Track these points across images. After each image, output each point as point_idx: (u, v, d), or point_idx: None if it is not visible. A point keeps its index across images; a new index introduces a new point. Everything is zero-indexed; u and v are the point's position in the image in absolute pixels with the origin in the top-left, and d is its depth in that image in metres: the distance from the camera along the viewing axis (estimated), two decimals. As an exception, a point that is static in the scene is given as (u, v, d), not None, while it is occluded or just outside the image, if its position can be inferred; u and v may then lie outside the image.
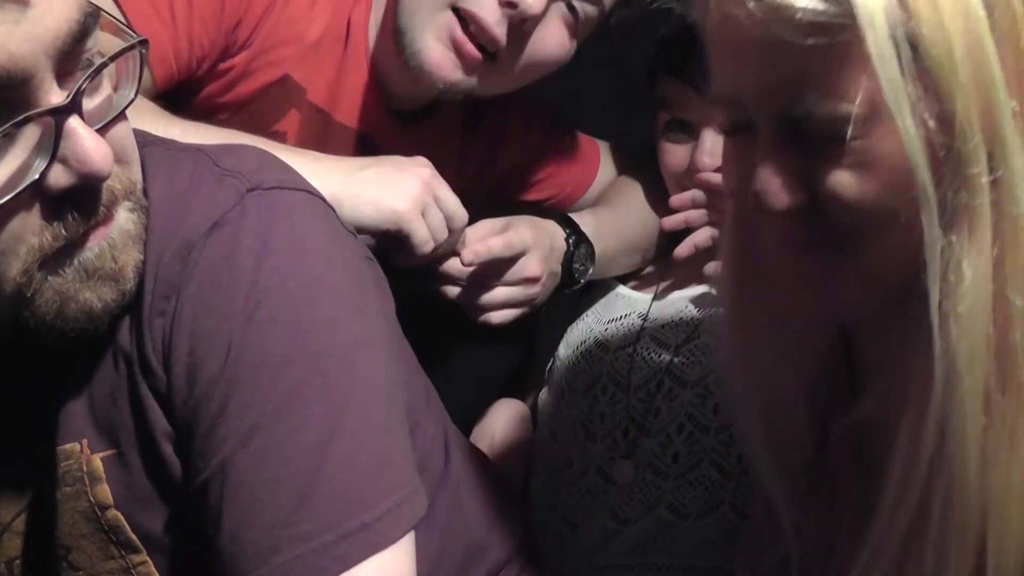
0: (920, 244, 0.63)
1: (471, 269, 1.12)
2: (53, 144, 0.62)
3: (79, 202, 0.65)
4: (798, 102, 0.64)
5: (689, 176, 1.24)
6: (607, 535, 1.18)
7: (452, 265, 1.11)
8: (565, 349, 1.33)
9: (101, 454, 0.76)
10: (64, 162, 0.63)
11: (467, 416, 1.32)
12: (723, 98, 0.70)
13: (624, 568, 1.16)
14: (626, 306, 1.31)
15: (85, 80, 0.63)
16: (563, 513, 1.22)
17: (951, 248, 0.64)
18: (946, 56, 0.61)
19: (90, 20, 0.63)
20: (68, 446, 0.76)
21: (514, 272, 1.15)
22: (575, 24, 1.12)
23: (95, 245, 0.68)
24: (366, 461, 0.73)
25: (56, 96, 0.62)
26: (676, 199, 1.26)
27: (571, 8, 1.10)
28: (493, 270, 1.14)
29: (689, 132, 1.24)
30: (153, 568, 0.78)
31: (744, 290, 0.80)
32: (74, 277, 0.67)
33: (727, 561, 1.00)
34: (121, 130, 0.69)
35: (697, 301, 1.24)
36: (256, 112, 1.08)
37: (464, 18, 1.06)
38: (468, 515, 0.97)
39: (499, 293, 1.16)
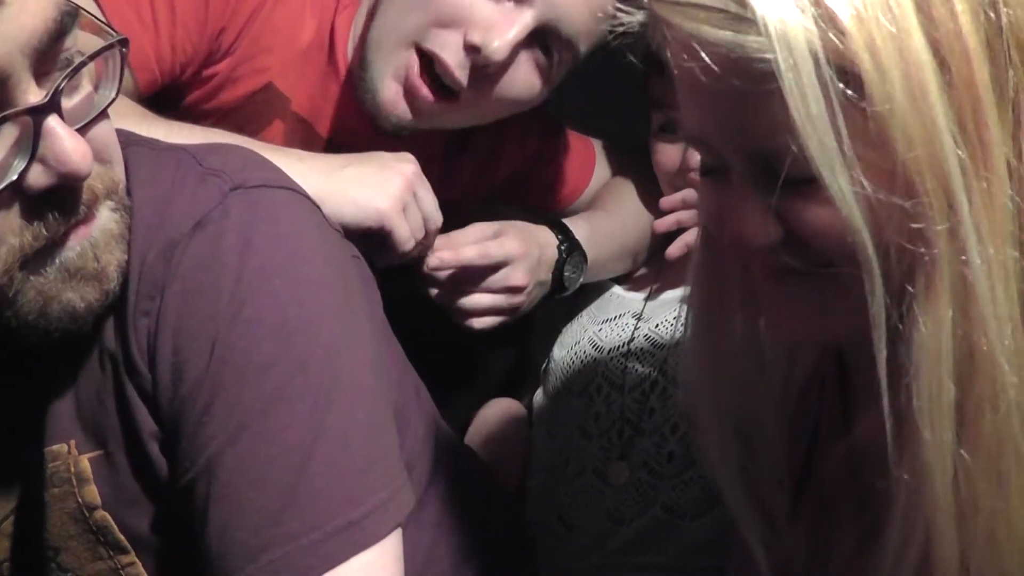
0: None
1: (449, 272, 1.13)
2: (32, 144, 0.62)
3: (59, 201, 0.65)
4: (765, 144, 0.61)
5: (682, 176, 1.24)
6: (603, 535, 1.17)
7: (430, 267, 1.12)
8: (559, 350, 1.33)
9: (88, 455, 0.76)
10: (43, 162, 0.62)
11: (461, 416, 1.32)
12: (692, 140, 0.69)
13: (620, 567, 1.16)
14: (620, 306, 1.31)
15: (63, 79, 0.62)
16: (560, 513, 1.22)
17: (907, 299, 0.61)
18: (886, 105, 0.57)
19: (67, 19, 0.62)
20: (56, 447, 0.76)
21: (498, 280, 1.15)
22: (548, 68, 1.09)
23: (76, 244, 0.67)
24: (352, 459, 0.73)
25: (34, 95, 0.62)
26: (667, 200, 1.26)
27: (546, 52, 1.08)
28: (476, 276, 1.14)
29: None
30: (141, 568, 0.78)
31: (713, 315, 0.78)
32: (56, 277, 0.67)
33: (722, 561, 1.00)
34: (102, 129, 0.69)
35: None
36: (241, 120, 1.08)
37: (428, 57, 1.05)
38: (460, 515, 0.97)
39: (482, 300, 1.16)
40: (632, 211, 1.34)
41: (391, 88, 1.06)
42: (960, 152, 0.58)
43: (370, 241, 0.99)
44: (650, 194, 1.33)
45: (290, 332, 0.72)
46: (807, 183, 0.61)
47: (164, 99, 1.06)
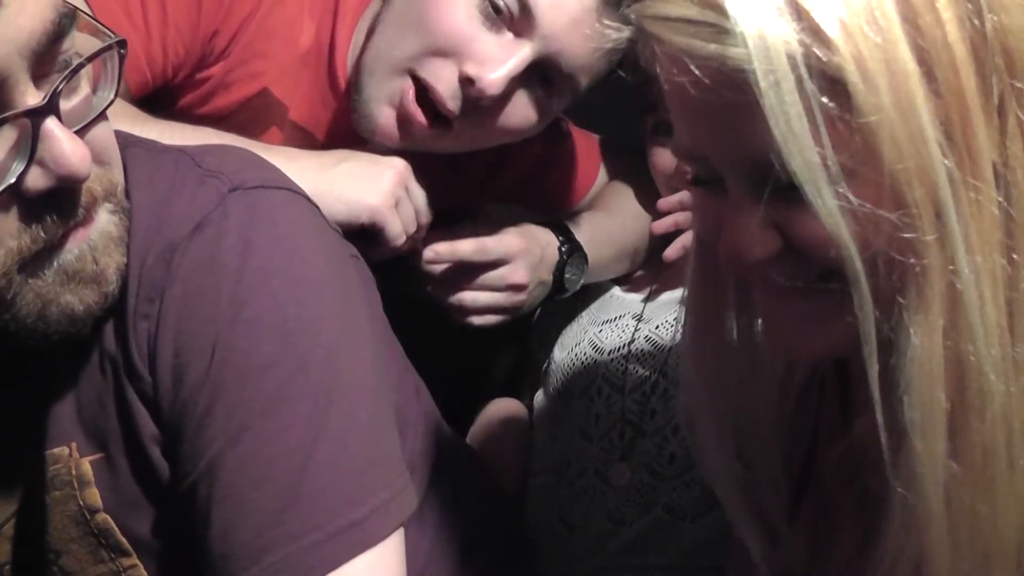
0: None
1: (446, 267, 1.13)
2: (30, 146, 0.61)
3: (58, 204, 0.65)
4: (757, 156, 0.60)
5: (678, 177, 1.24)
6: (604, 536, 1.17)
7: (428, 264, 1.12)
8: (560, 351, 1.33)
9: (90, 457, 0.76)
10: (42, 164, 0.62)
11: (463, 416, 1.32)
12: (686, 154, 0.68)
13: (621, 568, 1.16)
14: (620, 307, 1.31)
15: (62, 81, 0.62)
16: (561, 514, 1.22)
17: (897, 311, 0.61)
18: (873, 116, 0.57)
19: (65, 20, 0.62)
20: (57, 450, 0.76)
21: (498, 278, 1.15)
22: (547, 102, 1.07)
23: (75, 247, 0.67)
24: (353, 459, 0.73)
25: (32, 97, 0.61)
26: (664, 202, 1.26)
27: (544, 85, 1.05)
28: (473, 272, 1.14)
29: (677, 134, 1.24)
30: (143, 571, 0.78)
31: (708, 317, 0.78)
32: (54, 280, 0.67)
33: (722, 561, 1.00)
34: (101, 131, 0.68)
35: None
36: (236, 127, 1.06)
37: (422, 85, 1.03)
38: (461, 515, 0.97)
39: (482, 297, 1.16)
40: (632, 212, 1.34)
41: (384, 113, 1.05)
42: (947, 161, 0.58)
43: (363, 236, 0.99)
44: (648, 195, 1.33)
45: (290, 332, 0.72)
46: (799, 193, 0.60)
47: (157, 102, 1.05)
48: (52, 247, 0.66)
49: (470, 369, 1.31)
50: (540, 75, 1.04)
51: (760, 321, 0.75)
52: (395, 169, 1.03)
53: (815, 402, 0.83)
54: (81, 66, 0.64)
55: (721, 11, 0.58)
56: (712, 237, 0.69)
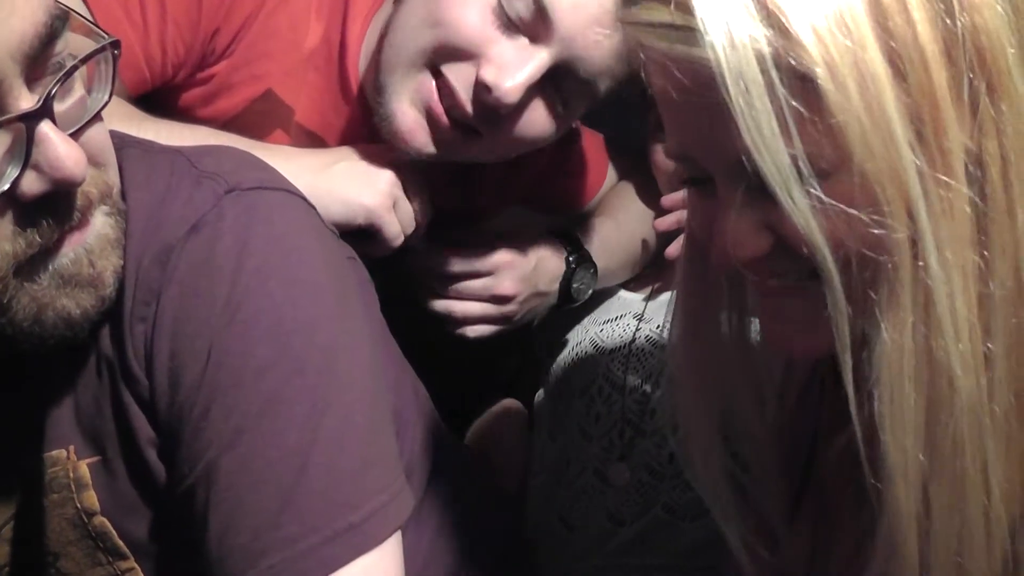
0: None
1: (436, 273, 1.13)
2: (25, 150, 0.61)
3: (53, 208, 0.64)
4: (746, 156, 0.60)
5: (679, 175, 1.23)
6: (604, 535, 1.17)
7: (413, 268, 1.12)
8: (561, 350, 1.33)
9: (87, 461, 0.76)
10: (37, 168, 0.62)
11: (462, 417, 1.32)
12: (675, 155, 0.69)
13: (620, 568, 1.16)
14: (621, 307, 1.31)
15: (55, 84, 0.62)
16: (560, 513, 1.22)
17: (870, 307, 0.61)
18: (843, 117, 0.57)
19: (58, 23, 0.62)
20: (54, 453, 0.76)
21: (482, 288, 1.15)
22: (565, 108, 1.03)
23: (71, 251, 0.67)
24: (350, 462, 0.73)
25: (26, 101, 0.61)
26: (667, 199, 1.26)
27: (561, 91, 1.01)
28: (461, 281, 1.15)
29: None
30: (141, 574, 0.78)
31: (699, 315, 0.78)
32: (50, 284, 0.66)
33: (723, 561, 0.99)
34: (96, 133, 0.68)
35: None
36: (239, 129, 1.05)
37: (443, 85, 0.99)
38: (460, 516, 0.97)
39: (471, 308, 1.16)
40: (638, 215, 1.34)
41: (409, 115, 1.00)
42: (918, 160, 0.58)
43: (360, 235, 0.99)
44: (651, 194, 1.33)
45: (286, 334, 0.72)
46: None
47: (159, 102, 1.04)
48: (47, 251, 0.65)
49: (469, 370, 1.30)
50: (556, 82, 1.00)
51: (758, 321, 0.75)
52: (393, 170, 1.02)
53: (815, 402, 0.83)
54: (75, 68, 0.64)
55: (692, 14, 0.58)
56: (706, 236, 0.69)
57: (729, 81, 0.57)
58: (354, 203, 1.00)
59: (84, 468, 0.76)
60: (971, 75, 0.59)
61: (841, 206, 0.59)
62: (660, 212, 1.28)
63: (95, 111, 0.67)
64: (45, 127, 0.61)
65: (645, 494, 1.17)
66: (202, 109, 1.07)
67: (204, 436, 0.71)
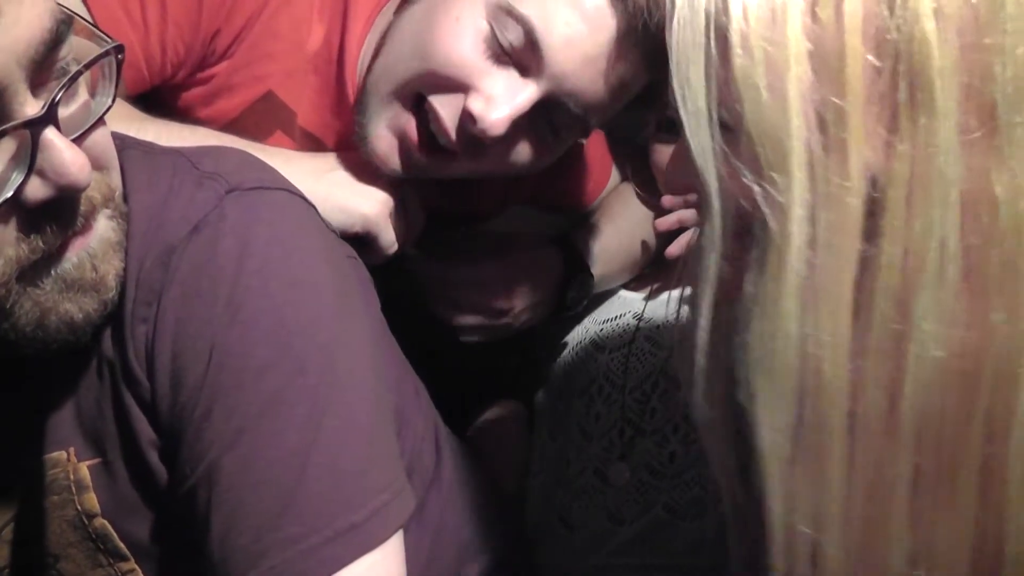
0: None
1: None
2: (30, 157, 0.61)
3: (57, 213, 0.64)
4: (673, 95, 0.66)
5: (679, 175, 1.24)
6: (604, 535, 1.17)
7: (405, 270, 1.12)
8: (561, 350, 1.33)
9: (88, 462, 0.76)
10: (41, 175, 0.61)
11: (463, 417, 1.32)
12: None
13: (620, 568, 1.15)
14: (621, 306, 1.31)
15: (60, 90, 0.62)
16: (560, 513, 1.22)
17: (744, 264, 0.64)
18: (745, 61, 0.61)
19: (63, 27, 0.62)
20: (55, 454, 0.76)
21: (475, 301, 1.16)
22: (553, 141, 1.02)
23: (74, 255, 0.67)
24: (351, 462, 0.73)
25: (31, 107, 0.61)
26: (667, 199, 1.26)
27: (551, 124, 1.00)
28: (452, 290, 1.16)
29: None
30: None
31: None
32: (52, 288, 0.66)
33: (724, 561, 0.99)
34: (100, 136, 0.68)
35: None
36: (240, 131, 1.04)
37: (425, 113, 0.98)
38: (461, 516, 0.97)
39: (467, 319, 1.17)
40: (637, 218, 1.34)
41: (384, 139, 1.00)
42: (813, 141, 0.60)
43: (354, 243, 0.98)
44: (651, 194, 1.33)
45: (287, 334, 0.72)
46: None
47: (159, 101, 1.04)
48: (51, 256, 0.65)
49: (469, 370, 1.30)
50: (549, 112, 0.98)
51: None
52: (391, 178, 1.02)
53: None
54: (79, 74, 0.64)
55: None
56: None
57: (678, 24, 0.63)
58: (352, 211, 1.00)
59: (85, 470, 0.76)
60: (895, 79, 0.59)
61: (733, 151, 0.62)
62: (660, 212, 1.28)
63: (99, 114, 0.67)
64: (50, 133, 0.61)
65: (645, 494, 1.17)
66: (202, 109, 1.07)
67: (205, 437, 0.71)
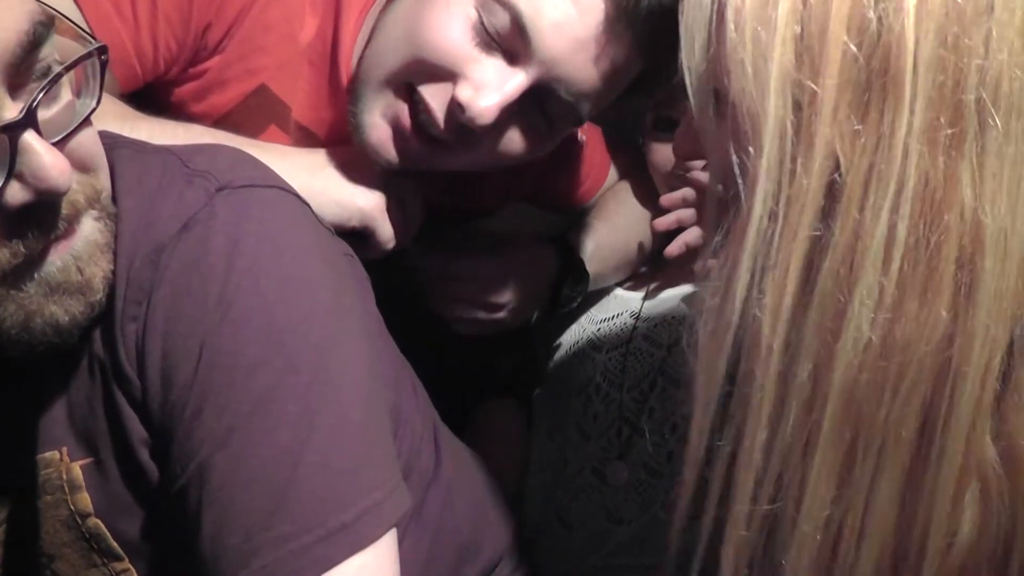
0: None
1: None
2: (8, 161, 0.60)
3: (38, 217, 0.63)
4: (681, 67, 0.69)
5: (677, 174, 1.24)
6: (602, 535, 1.17)
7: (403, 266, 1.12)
8: (559, 350, 1.33)
9: (80, 462, 0.76)
10: (20, 179, 0.61)
11: (461, 415, 1.32)
12: None
13: (619, 568, 1.15)
14: (619, 306, 1.31)
15: (39, 92, 0.61)
16: (559, 513, 1.22)
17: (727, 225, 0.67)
18: (734, 31, 0.63)
19: (40, 29, 0.61)
20: (48, 454, 0.76)
21: (470, 295, 1.17)
22: (546, 130, 1.00)
23: (57, 259, 0.66)
24: (344, 460, 0.72)
25: (9, 111, 0.60)
26: (667, 198, 1.26)
27: (543, 112, 0.98)
28: (449, 284, 1.16)
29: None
30: (135, 575, 0.78)
31: None
32: (37, 291, 0.66)
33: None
34: (85, 138, 0.67)
35: (689, 299, 1.23)
36: (233, 125, 1.04)
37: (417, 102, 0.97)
38: (459, 515, 0.97)
39: (463, 312, 1.18)
40: (635, 217, 1.34)
41: (379, 128, 0.99)
42: (788, 119, 0.61)
43: (353, 237, 0.98)
44: (648, 192, 1.33)
45: (278, 332, 0.72)
46: None
47: (151, 97, 1.03)
48: (33, 260, 0.65)
49: (468, 368, 1.30)
50: (541, 100, 0.97)
51: None
52: (387, 172, 1.01)
53: None
54: (59, 76, 0.63)
55: None
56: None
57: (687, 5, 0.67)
58: (349, 205, 0.99)
59: (77, 470, 0.76)
60: (870, 69, 0.60)
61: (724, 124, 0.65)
62: (658, 212, 1.28)
63: (84, 116, 0.66)
64: (29, 137, 0.61)
65: (644, 493, 1.16)
66: (195, 105, 1.06)
67: (196, 436, 0.71)
